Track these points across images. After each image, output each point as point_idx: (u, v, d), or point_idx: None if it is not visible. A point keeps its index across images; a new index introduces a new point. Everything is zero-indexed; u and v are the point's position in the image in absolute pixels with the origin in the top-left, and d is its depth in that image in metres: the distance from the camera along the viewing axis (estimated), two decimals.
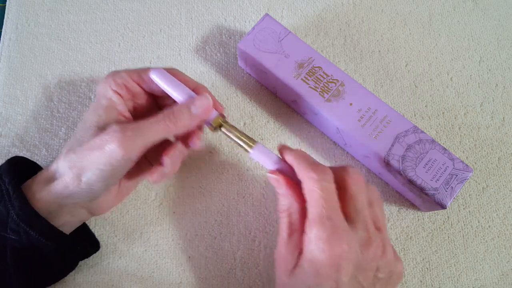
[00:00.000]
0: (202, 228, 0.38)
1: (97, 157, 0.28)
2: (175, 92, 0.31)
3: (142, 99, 0.33)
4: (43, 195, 0.30)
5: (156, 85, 0.32)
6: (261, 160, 0.30)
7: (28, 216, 0.29)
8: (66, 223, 0.32)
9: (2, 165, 0.32)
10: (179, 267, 0.37)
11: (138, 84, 0.32)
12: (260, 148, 0.30)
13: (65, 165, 0.29)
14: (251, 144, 0.31)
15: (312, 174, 0.26)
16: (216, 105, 0.33)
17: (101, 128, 0.29)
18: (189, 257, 0.38)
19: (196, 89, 0.33)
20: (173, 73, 0.32)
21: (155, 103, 0.35)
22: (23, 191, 0.30)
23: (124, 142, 0.28)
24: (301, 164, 0.27)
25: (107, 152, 0.28)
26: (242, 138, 0.31)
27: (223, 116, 0.32)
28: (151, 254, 0.38)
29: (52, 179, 0.30)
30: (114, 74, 0.31)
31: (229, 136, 0.31)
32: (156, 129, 0.29)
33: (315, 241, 0.25)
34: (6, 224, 0.29)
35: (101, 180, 0.29)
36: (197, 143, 0.33)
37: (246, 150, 0.31)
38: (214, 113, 0.32)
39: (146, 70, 0.32)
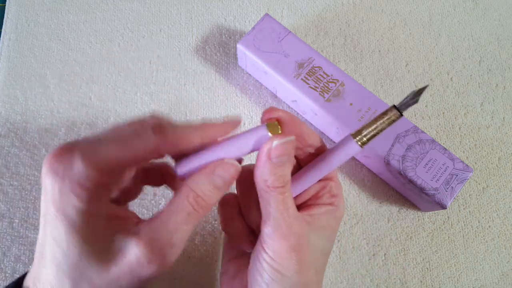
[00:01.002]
0: (203, 228, 0.38)
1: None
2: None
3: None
4: None
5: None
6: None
7: None
8: None
9: None
10: (179, 267, 0.37)
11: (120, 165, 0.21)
12: None
13: None
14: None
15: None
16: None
17: (102, 252, 0.20)
18: (189, 257, 0.38)
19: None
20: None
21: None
22: None
23: (165, 265, 0.21)
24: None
25: (145, 282, 0.21)
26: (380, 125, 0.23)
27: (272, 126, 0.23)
28: None
29: None
30: (77, 174, 0.20)
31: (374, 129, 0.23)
32: (192, 227, 0.22)
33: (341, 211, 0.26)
34: None
35: None
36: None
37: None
38: (264, 134, 0.23)
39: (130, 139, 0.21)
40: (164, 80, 0.43)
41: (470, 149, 0.42)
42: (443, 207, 0.35)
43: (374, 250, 0.38)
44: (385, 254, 0.38)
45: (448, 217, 0.39)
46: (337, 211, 0.26)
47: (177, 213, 0.22)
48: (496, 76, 0.44)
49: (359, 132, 0.23)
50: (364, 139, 0.23)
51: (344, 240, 0.38)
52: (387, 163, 0.36)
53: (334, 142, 0.41)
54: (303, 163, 0.26)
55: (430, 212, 0.39)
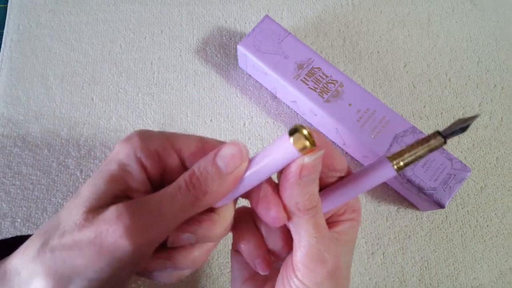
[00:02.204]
0: None
1: (89, 259, 0.19)
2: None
3: (175, 169, 0.22)
4: None
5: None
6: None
7: None
8: None
9: None
10: None
11: (179, 155, 0.22)
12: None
13: (37, 269, 0.19)
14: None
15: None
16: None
17: (94, 210, 0.19)
18: None
19: None
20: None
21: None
22: None
23: (133, 234, 0.18)
24: None
25: (107, 250, 0.18)
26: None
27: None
28: None
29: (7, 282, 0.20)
30: (146, 135, 0.21)
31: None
32: (179, 208, 0.20)
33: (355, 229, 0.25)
34: None
35: None
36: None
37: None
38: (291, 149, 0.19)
39: (201, 140, 0.22)
40: (165, 81, 0.43)
41: (468, 149, 0.42)
42: (441, 206, 0.35)
43: (373, 248, 0.39)
44: (383, 253, 0.39)
45: (446, 216, 0.40)
46: (358, 225, 0.25)
47: (169, 186, 0.20)
48: (494, 77, 0.44)
49: (397, 155, 0.21)
50: (401, 163, 0.21)
51: None
52: None
53: (334, 142, 0.41)
54: (323, 186, 0.24)
55: (429, 212, 0.40)
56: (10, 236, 0.38)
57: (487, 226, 0.40)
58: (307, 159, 0.20)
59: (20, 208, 0.39)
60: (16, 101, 0.42)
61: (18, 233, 0.38)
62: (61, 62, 0.44)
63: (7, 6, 0.46)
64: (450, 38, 0.46)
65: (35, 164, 0.40)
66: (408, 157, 0.21)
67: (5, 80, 0.43)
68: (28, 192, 0.39)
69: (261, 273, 0.25)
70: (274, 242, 0.25)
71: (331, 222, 0.25)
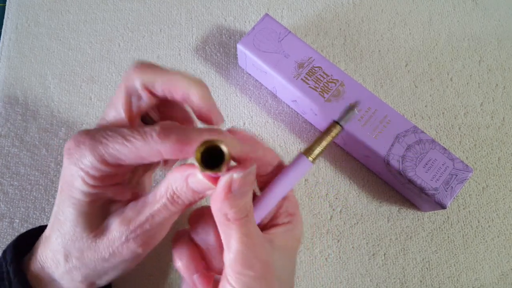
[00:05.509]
0: None
1: (112, 266, 0.25)
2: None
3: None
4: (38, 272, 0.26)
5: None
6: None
7: None
8: None
9: (13, 240, 0.28)
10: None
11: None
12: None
13: (69, 278, 0.25)
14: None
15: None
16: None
17: (95, 229, 0.24)
18: None
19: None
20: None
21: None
22: (26, 275, 0.26)
23: (143, 246, 0.24)
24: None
25: (127, 261, 0.24)
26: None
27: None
28: (151, 254, 0.38)
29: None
30: (85, 158, 0.23)
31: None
32: (164, 216, 0.24)
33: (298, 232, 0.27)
34: None
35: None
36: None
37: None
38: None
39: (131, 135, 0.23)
40: None
41: (470, 149, 0.42)
42: (443, 207, 0.35)
43: (374, 249, 0.38)
44: (384, 254, 0.38)
45: (447, 217, 0.40)
46: (295, 229, 0.26)
47: (156, 203, 0.23)
48: (496, 76, 0.44)
49: (308, 149, 0.26)
50: (314, 155, 0.25)
51: (344, 240, 0.38)
52: (387, 163, 0.36)
53: (334, 142, 0.41)
54: (261, 182, 0.26)
55: (430, 212, 0.39)
56: (8, 236, 0.38)
57: (489, 226, 0.39)
58: (236, 175, 0.21)
59: (18, 209, 0.38)
60: (14, 101, 0.42)
61: (16, 234, 0.38)
62: (59, 61, 0.43)
63: (5, 6, 0.46)
64: (451, 37, 0.45)
65: (33, 164, 0.40)
66: (317, 149, 0.25)
67: (3, 80, 0.42)
68: (26, 192, 0.39)
69: None
70: (218, 261, 0.25)
71: (266, 227, 0.26)
